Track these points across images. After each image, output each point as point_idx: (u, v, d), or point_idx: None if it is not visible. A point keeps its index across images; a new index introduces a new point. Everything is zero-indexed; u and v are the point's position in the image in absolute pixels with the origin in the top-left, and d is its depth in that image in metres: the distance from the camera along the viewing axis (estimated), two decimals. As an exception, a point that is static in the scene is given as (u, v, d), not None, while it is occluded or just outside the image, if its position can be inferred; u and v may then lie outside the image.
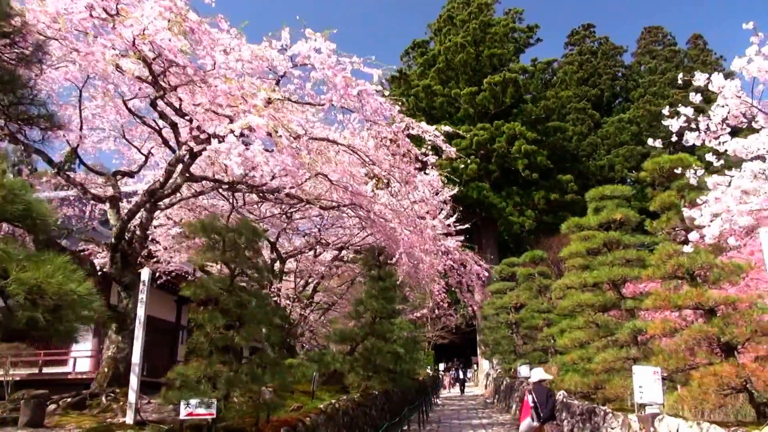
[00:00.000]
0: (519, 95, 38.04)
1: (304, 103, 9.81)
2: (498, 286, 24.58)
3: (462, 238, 19.86)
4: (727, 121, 5.21)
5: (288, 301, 18.36)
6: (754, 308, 7.97)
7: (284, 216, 17.30)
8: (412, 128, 9.66)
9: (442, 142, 9.77)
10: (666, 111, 5.62)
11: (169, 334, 20.75)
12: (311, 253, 19.84)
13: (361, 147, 11.01)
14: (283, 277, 18.88)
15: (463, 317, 38.22)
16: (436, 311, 28.06)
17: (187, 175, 11.61)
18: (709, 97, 5.65)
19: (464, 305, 22.95)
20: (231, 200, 15.38)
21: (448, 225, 19.22)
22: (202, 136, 8.42)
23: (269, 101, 8.80)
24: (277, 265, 18.71)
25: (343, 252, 19.67)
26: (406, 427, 14.49)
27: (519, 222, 35.59)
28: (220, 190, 15.41)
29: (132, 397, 7.75)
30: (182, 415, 6.54)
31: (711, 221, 6.30)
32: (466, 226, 19.35)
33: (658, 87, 55.86)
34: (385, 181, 11.82)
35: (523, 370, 20.15)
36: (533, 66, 41.83)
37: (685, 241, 9.14)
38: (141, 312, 8.24)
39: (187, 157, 10.59)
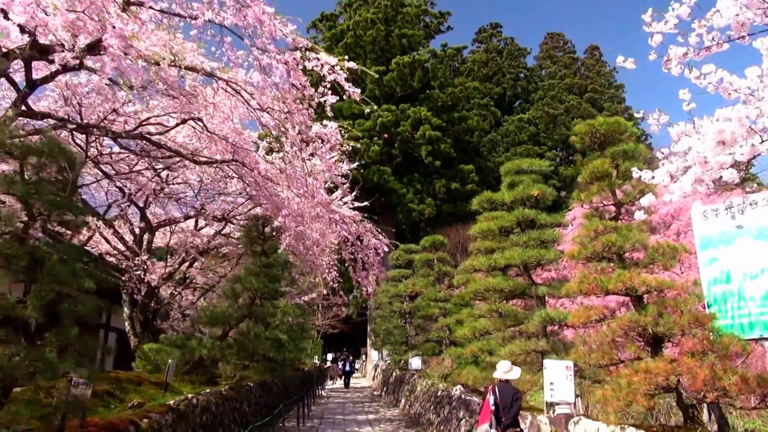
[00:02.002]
0: (427, 80, 37.00)
1: (172, 14, 7.59)
2: (394, 274, 23.30)
3: (359, 218, 18.19)
4: (729, 32, 3.87)
5: (154, 276, 15.75)
6: (690, 296, 6.93)
7: (157, 177, 14.72)
8: (309, 60, 7.75)
9: (344, 81, 7.93)
10: (647, 17, 4.15)
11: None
12: (191, 224, 17.32)
13: (245, 86, 8.93)
14: (154, 251, 16.27)
15: (355, 306, 36.80)
16: (327, 294, 26.28)
17: (24, 108, 9.21)
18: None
19: (358, 288, 21.31)
20: (86, 148, 12.70)
21: (346, 202, 17.49)
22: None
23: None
24: (146, 236, 16.08)
25: (228, 228, 17.32)
26: (281, 425, 12.57)
27: (419, 210, 34.63)
28: (76, 139, 12.76)
29: None
30: None
31: (672, 180, 4.93)
32: (365, 203, 17.70)
33: (557, 91, 57.77)
34: (275, 133, 9.79)
35: (414, 362, 18.97)
36: (443, 51, 41.04)
37: (615, 218, 8.03)
38: None
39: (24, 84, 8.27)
